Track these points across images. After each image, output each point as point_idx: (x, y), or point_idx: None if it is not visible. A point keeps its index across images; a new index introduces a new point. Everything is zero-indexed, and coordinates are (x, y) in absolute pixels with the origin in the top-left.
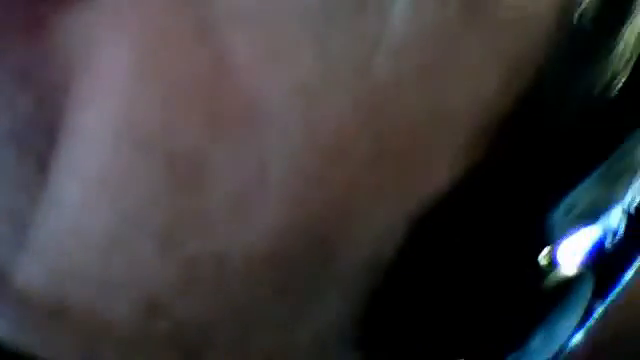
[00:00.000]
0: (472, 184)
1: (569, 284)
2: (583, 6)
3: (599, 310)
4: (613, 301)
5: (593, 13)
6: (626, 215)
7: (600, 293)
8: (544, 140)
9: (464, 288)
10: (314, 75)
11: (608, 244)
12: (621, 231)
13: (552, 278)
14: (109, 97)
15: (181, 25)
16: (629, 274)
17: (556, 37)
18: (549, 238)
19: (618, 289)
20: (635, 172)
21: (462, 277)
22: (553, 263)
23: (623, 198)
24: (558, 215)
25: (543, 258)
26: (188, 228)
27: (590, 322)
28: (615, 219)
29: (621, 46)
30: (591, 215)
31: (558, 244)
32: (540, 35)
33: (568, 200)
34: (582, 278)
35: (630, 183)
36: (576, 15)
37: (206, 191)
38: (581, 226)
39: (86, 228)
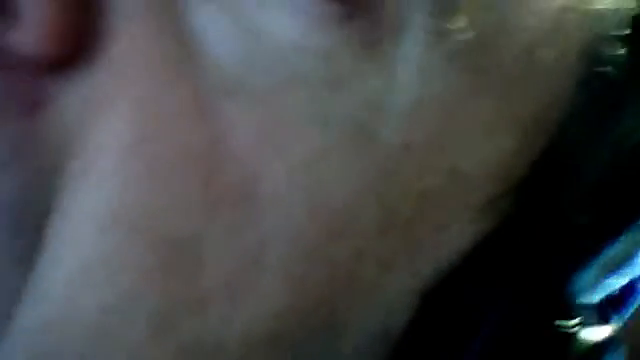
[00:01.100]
0: (490, 251)
1: (599, 351)
2: (610, 53)
3: None
4: None
5: (622, 60)
6: None
7: None
8: (567, 201)
9: None
10: (318, 148)
11: None
12: None
13: (580, 346)
14: (101, 178)
15: (178, 102)
16: None
17: (578, 90)
18: (575, 303)
19: None
20: None
21: (482, 351)
22: (580, 329)
23: None
24: (586, 278)
25: (570, 325)
26: (181, 313)
27: None
28: None
29: None
30: (622, 263)
31: (586, 308)
32: (559, 89)
33: (599, 262)
34: (612, 344)
35: None
36: (602, 64)
37: (201, 275)
38: (611, 276)
39: (69, 321)
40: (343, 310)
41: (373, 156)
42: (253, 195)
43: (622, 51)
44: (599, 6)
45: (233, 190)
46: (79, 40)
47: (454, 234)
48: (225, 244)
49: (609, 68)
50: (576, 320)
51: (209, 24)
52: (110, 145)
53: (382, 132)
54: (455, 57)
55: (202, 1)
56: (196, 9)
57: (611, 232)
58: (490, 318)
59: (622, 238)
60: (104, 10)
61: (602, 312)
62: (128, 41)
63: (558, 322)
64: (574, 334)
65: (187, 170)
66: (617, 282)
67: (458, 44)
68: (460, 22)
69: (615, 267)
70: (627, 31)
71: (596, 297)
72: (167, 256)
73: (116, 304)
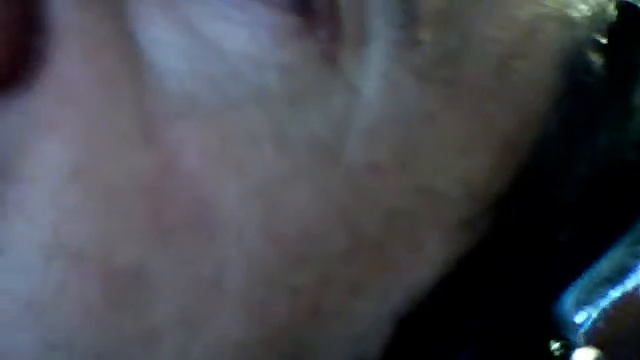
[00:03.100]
0: (467, 273)
1: None
2: (588, 63)
3: None
4: None
5: (600, 70)
6: None
7: None
8: (547, 218)
9: None
10: (276, 170)
11: None
12: None
13: None
14: (40, 204)
15: (125, 123)
16: None
17: (556, 102)
18: (563, 324)
19: None
20: None
21: None
22: (568, 351)
23: None
24: (576, 295)
25: (556, 347)
26: (127, 351)
27: None
28: None
29: (635, 106)
30: (618, 277)
31: (571, 328)
32: (536, 102)
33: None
34: None
35: None
36: (580, 75)
37: (149, 306)
38: (608, 290)
39: (12, 355)
40: (309, 339)
41: (337, 177)
42: (206, 221)
43: (600, 61)
44: (575, 14)
45: (185, 217)
46: (16, 59)
47: (428, 256)
48: (178, 274)
49: (587, 79)
50: (563, 342)
51: (159, 37)
52: (49, 173)
53: (346, 151)
54: (422, 71)
55: (152, 13)
56: (145, 22)
57: (596, 247)
58: (469, 345)
59: (611, 253)
60: (44, 26)
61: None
62: (70, 60)
63: (544, 345)
64: (562, 356)
65: (133, 198)
66: (611, 297)
67: (425, 57)
68: (426, 33)
69: (608, 282)
70: (604, 40)
71: (588, 314)
72: (113, 289)
73: (61, 339)
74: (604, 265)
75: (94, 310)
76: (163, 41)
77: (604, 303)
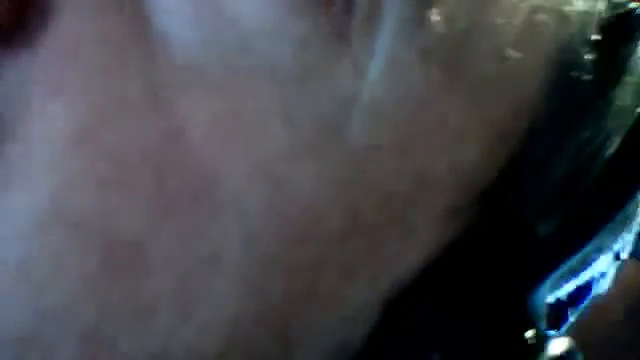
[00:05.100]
0: (452, 260)
1: None
2: (580, 58)
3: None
4: None
5: (591, 65)
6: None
7: None
8: (530, 210)
9: None
10: (282, 146)
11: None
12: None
13: (540, 357)
14: (41, 171)
15: (131, 89)
16: None
17: (547, 95)
18: (536, 314)
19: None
20: (626, 226)
21: None
22: (541, 340)
23: (612, 247)
24: (546, 288)
25: (530, 336)
26: (121, 323)
27: None
28: (604, 264)
29: (617, 105)
30: (579, 269)
31: (546, 319)
32: (529, 93)
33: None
34: (571, 357)
35: (621, 235)
36: (571, 69)
37: (146, 279)
38: (569, 280)
39: (2, 322)
40: (299, 321)
41: (339, 156)
42: (210, 196)
43: (591, 56)
44: (570, 8)
45: (188, 190)
46: (18, 8)
47: (418, 242)
48: (177, 247)
49: (577, 75)
50: (537, 332)
51: (169, 5)
52: (52, 136)
53: (350, 131)
54: (429, 53)
55: None
56: None
57: (574, 241)
58: (451, 331)
59: (586, 248)
60: None
61: (555, 314)
62: (76, 17)
63: (522, 332)
64: (536, 345)
65: (137, 168)
66: (573, 284)
67: (433, 39)
68: (435, 14)
69: (571, 273)
70: (597, 36)
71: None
72: (111, 260)
73: (55, 310)
74: (575, 258)
75: (90, 282)
76: (173, 7)
77: (561, 294)
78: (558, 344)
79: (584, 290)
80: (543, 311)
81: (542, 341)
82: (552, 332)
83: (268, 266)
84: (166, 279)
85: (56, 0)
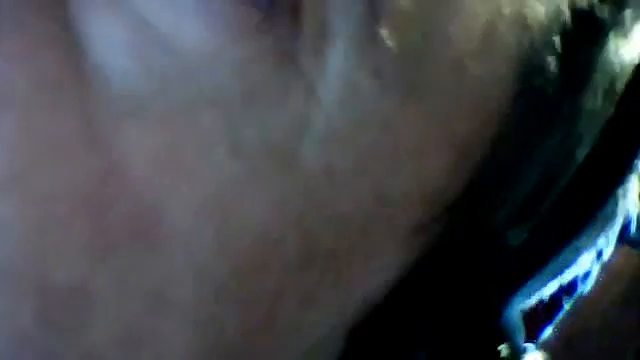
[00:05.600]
0: (418, 282)
1: None
2: (543, 66)
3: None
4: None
5: (555, 73)
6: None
7: None
8: (499, 222)
9: None
10: (229, 175)
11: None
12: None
13: None
14: None
15: (66, 128)
16: None
17: (512, 105)
18: (511, 327)
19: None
20: (605, 227)
21: None
22: (515, 355)
23: (593, 247)
24: (521, 297)
25: (504, 351)
26: None
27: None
28: (585, 264)
29: (587, 108)
30: (558, 271)
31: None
32: (493, 105)
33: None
34: None
35: (601, 235)
36: (535, 77)
37: (89, 328)
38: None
39: None
40: (261, 353)
41: (292, 183)
42: (152, 233)
43: (554, 64)
44: (531, 16)
45: (128, 228)
46: None
47: (382, 264)
48: (120, 289)
49: (541, 81)
50: (511, 346)
51: (105, 33)
52: None
53: (302, 156)
54: (382, 71)
55: (97, 5)
56: (90, 14)
57: (547, 250)
58: (419, 350)
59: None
60: None
61: (532, 324)
62: (6, 59)
63: (494, 347)
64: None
65: (73, 208)
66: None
67: (385, 57)
68: (388, 31)
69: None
70: (558, 43)
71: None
72: (48, 309)
73: None
74: (553, 263)
75: (26, 334)
76: (110, 37)
77: (542, 296)
78: (533, 358)
79: (568, 291)
80: (519, 323)
81: (516, 356)
82: (529, 345)
83: (221, 300)
84: (109, 324)
85: None
